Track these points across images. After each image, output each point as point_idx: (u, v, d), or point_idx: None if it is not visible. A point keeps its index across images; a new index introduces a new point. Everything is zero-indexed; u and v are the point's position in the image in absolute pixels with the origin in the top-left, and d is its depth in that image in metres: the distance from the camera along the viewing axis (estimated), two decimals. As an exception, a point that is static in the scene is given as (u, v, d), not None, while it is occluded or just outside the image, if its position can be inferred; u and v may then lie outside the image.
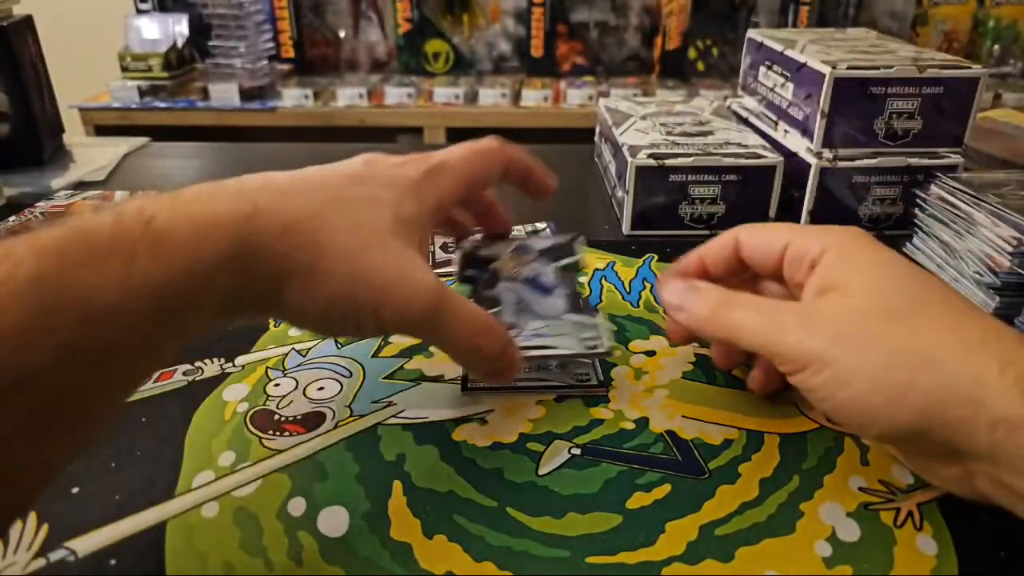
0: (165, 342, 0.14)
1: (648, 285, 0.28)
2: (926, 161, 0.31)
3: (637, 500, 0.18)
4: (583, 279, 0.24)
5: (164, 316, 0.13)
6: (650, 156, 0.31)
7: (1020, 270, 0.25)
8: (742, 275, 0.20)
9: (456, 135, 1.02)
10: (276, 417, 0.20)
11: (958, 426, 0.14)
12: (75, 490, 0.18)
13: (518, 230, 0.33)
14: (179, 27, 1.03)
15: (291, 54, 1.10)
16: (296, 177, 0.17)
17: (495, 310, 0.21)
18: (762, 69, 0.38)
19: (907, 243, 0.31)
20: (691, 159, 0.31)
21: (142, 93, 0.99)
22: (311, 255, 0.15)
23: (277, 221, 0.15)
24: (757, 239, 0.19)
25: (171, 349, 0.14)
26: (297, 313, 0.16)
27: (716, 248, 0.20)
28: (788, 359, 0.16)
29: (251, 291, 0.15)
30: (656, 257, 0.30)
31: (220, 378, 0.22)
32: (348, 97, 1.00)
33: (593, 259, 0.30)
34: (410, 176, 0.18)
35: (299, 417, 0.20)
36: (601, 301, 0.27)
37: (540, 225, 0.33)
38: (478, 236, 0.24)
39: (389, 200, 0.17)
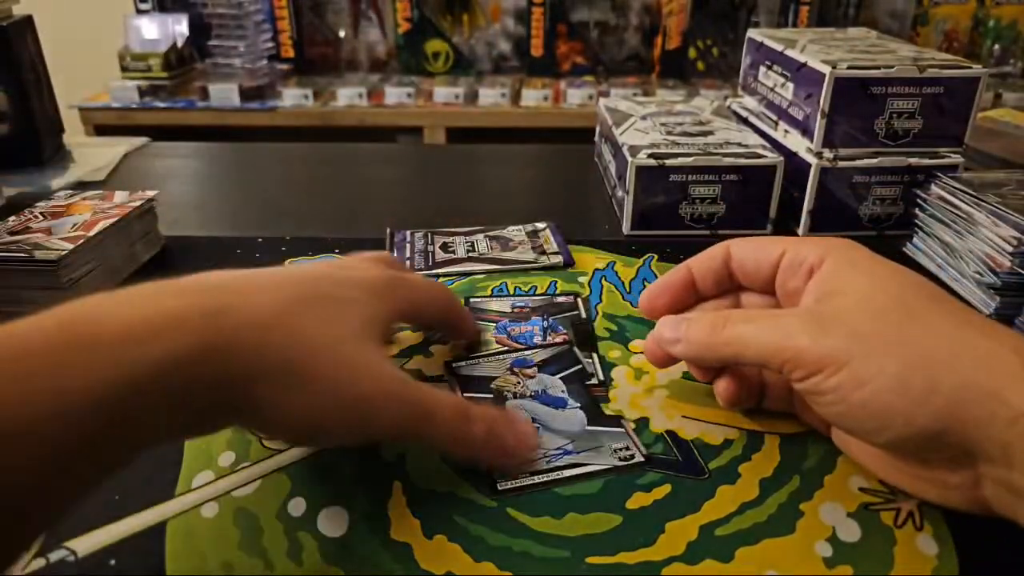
0: (88, 472, 0.12)
1: (648, 285, 0.28)
2: (926, 161, 0.31)
3: (637, 500, 0.17)
4: (591, 363, 0.22)
5: (86, 440, 0.11)
6: (650, 156, 0.31)
7: (1020, 270, 0.25)
8: (725, 290, 0.20)
9: (456, 135, 1.02)
10: (276, 417, 0.20)
11: (975, 425, 0.14)
12: (75, 490, 0.18)
13: (516, 230, 0.33)
14: (179, 27, 1.03)
15: (291, 54, 1.10)
16: (261, 274, 0.16)
17: None
18: (762, 69, 0.38)
19: (907, 243, 0.31)
20: (691, 159, 0.31)
21: (142, 93, 0.99)
22: (287, 351, 0.14)
23: (248, 318, 0.14)
24: (750, 248, 0.19)
25: (98, 480, 0.12)
26: (270, 418, 0.14)
27: (705, 260, 0.20)
28: (802, 363, 0.16)
29: (214, 396, 0.13)
30: (656, 257, 0.30)
31: (220, 378, 0.22)
32: (348, 97, 1.00)
33: (593, 259, 0.30)
34: (375, 279, 0.18)
35: (299, 417, 0.20)
36: (601, 301, 0.27)
37: (540, 225, 0.33)
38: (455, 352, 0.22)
39: (356, 299, 0.17)
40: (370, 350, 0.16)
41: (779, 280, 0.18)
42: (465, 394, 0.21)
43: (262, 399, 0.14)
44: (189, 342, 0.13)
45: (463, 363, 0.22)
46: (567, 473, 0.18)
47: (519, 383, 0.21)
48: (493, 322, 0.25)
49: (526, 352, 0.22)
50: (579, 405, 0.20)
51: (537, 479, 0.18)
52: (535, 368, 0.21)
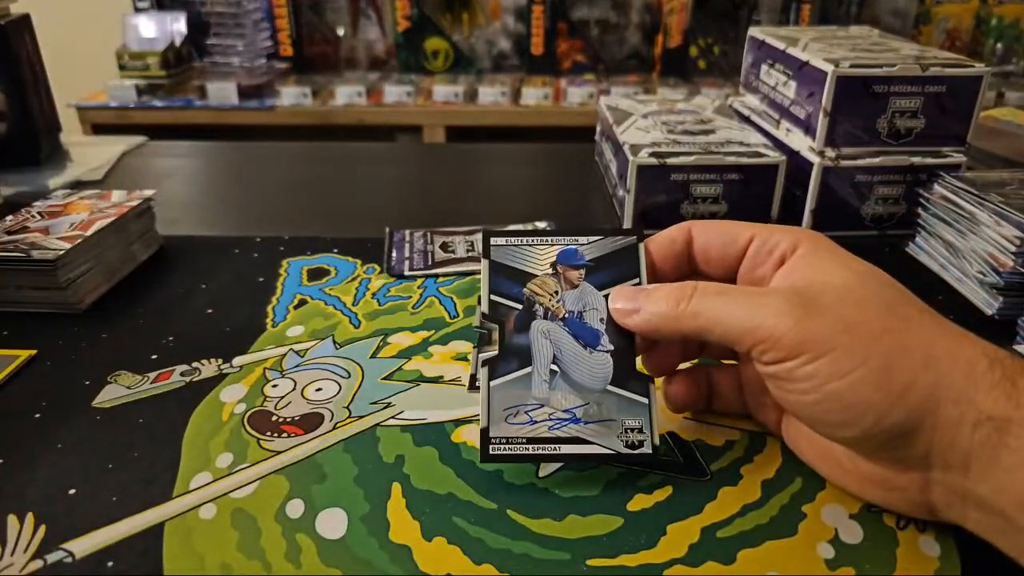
0: None
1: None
2: (929, 160, 0.31)
3: (638, 502, 0.17)
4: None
5: None
6: (651, 155, 0.31)
7: (1023, 269, 0.25)
8: (682, 275, 0.18)
9: (456, 134, 1.02)
10: (274, 418, 0.20)
11: (944, 427, 0.14)
12: (72, 491, 0.18)
13: (516, 230, 0.33)
14: (177, 25, 1.02)
15: (289, 52, 1.10)
16: None
17: (523, 372, 0.17)
18: (764, 67, 0.38)
19: (910, 242, 0.31)
20: (693, 158, 0.31)
21: (140, 92, 0.99)
22: None
23: None
24: (715, 232, 0.18)
25: None
26: None
27: (665, 242, 0.18)
28: (779, 345, 0.15)
29: None
30: (657, 256, 0.30)
31: (218, 379, 0.22)
32: (347, 95, 1.00)
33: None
34: None
35: (297, 418, 0.20)
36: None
37: (540, 224, 0.33)
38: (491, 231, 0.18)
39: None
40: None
41: (745, 267, 0.17)
42: (492, 296, 0.17)
43: None
44: None
45: (502, 240, 0.18)
46: (564, 449, 0.16)
47: (557, 295, 0.17)
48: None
49: (580, 241, 0.18)
50: (611, 348, 0.17)
51: (532, 448, 0.16)
52: (583, 271, 0.17)
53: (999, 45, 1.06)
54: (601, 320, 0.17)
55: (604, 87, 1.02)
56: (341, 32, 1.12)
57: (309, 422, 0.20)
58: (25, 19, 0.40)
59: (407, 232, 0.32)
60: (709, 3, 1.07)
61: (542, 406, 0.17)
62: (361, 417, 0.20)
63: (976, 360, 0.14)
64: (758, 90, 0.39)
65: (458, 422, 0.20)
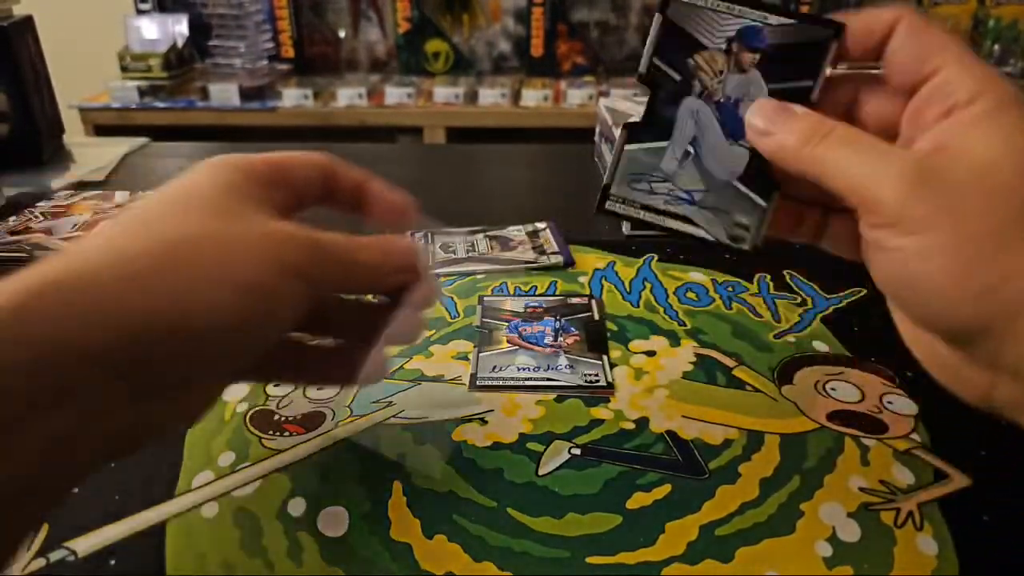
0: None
1: (648, 285, 0.28)
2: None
3: (637, 500, 0.17)
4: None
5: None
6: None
7: None
8: (866, 60, 0.16)
9: (456, 135, 1.02)
10: (276, 417, 0.20)
11: (1015, 340, 0.13)
12: (75, 490, 0.18)
13: (516, 230, 0.33)
14: (179, 27, 1.03)
15: (291, 54, 1.10)
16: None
17: (660, 144, 0.16)
18: (763, 69, 0.38)
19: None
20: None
21: (142, 93, 0.99)
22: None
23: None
24: (917, 43, 0.15)
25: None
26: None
27: (861, 27, 0.16)
28: (879, 211, 0.14)
29: None
30: (656, 257, 0.30)
31: (220, 378, 0.22)
32: (348, 97, 1.00)
33: (593, 259, 0.30)
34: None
35: (299, 417, 0.20)
36: (602, 301, 0.27)
37: (540, 225, 0.33)
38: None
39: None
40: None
41: (914, 102, 0.15)
42: (654, 59, 0.16)
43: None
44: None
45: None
46: (670, 223, 0.16)
47: (721, 74, 0.16)
48: (505, 321, 0.25)
49: (769, 20, 0.16)
50: (751, 146, 0.16)
51: (643, 214, 0.16)
52: (758, 56, 0.16)
53: (997, 46, 1.06)
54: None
55: (604, 89, 1.02)
56: (342, 34, 1.12)
57: (311, 421, 0.20)
58: (28, 20, 0.40)
59: (408, 233, 0.33)
60: (709, 5, 1.07)
61: (665, 180, 0.17)
62: (362, 416, 0.20)
63: None
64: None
65: (458, 421, 0.20)
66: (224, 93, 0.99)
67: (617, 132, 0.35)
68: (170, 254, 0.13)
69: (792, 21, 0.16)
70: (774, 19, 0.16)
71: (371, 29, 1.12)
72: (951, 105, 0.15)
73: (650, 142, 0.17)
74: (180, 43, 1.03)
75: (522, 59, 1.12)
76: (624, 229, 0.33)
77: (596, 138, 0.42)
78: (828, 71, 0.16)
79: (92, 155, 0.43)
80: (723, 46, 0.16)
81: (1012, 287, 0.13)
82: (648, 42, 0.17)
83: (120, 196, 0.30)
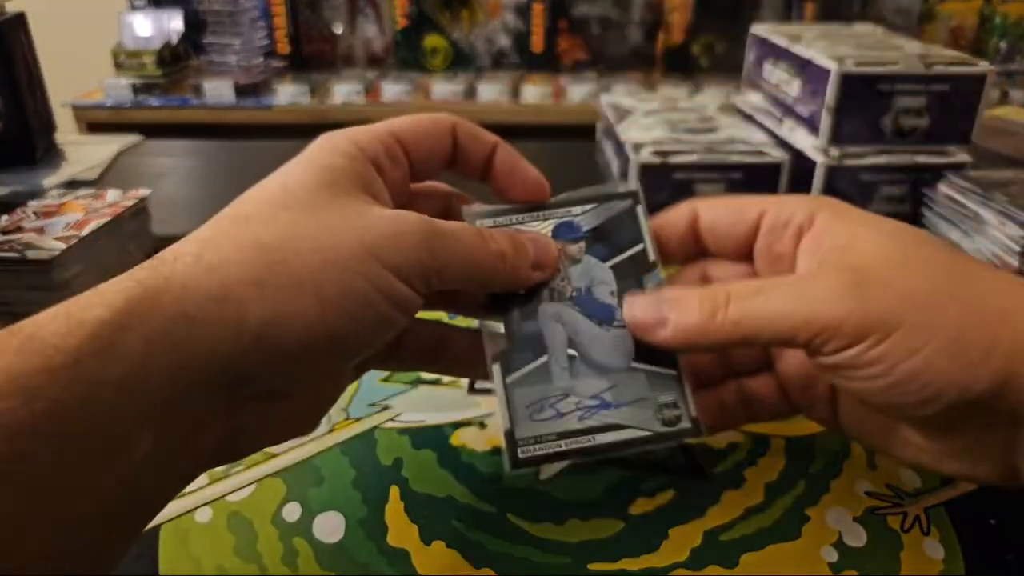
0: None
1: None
2: (933, 159, 0.31)
3: (640, 506, 0.17)
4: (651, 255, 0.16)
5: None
6: (654, 153, 0.31)
7: (1028, 269, 0.25)
8: (689, 257, 0.17)
9: (455, 132, 1.01)
10: (271, 420, 0.20)
11: None
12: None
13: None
14: (173, 23, 1.02)
15: (286, 50, 1.09)
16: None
17: (540, 362, 0.15)
18: (767, 65, 0.37)
19: (912, 241, 0.31)
20: (695, 156, 0.31)
21: (135, 90, 0.98)
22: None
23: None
24: (723, 208, 0.16)
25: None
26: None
27: (667, 223, 0.16)
28: (841, 332, 0.13)
29: None
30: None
31: (215, 380, 0.22)
32: (345, 94, 0.99)
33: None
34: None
35: (295, 420, 0.20)
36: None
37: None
38: (480, 208, 0.16)
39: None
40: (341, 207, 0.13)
41: (761, 245, 0.16)
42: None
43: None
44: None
45: (489, 220, 0.16)
46: (600, 439, 0.14)
47: (560, 273, 0.15)
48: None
49: (574, 212, 0.16)
50: (627, 323, 0.15)
51: (565, 445, 0.14)
52: (583, 244, 0.16)
53: (1003, 43, 1.05)
54: (612, 293, 0.16)
55: (605, 85, 1.02)
56: (339, 30, 1.11)
57: (306, 424, 0.20)
58: (20, 17, 0.39)
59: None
60: (711, 0, 1.07)
61: (567, 396, 0.15)
62: (359, 419, 0.20)
63: None
64: (761, 88, 0.38)
65: (457, 425, 0.20)
66: (219, 90, 0.98)
67: (619, 130, 0.35)
68: (260, 263, 0.12)
69: (592, 205, 0.16)
70: (577, 208, 0.16)
71: (368, 25, 1.11)
72: (797, 228, 0.15)
73: (529, 364, 0.15)
74: (174, 40, 1.02)
75: (522, 55, 1.11)
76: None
77: (598, 135, 0.42)
78: (649, 230, 0.16)
79: (85, 153, 0.43)
80: None
81: (1007, 331, 0.13)
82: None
83: (113, 195, 0.30)
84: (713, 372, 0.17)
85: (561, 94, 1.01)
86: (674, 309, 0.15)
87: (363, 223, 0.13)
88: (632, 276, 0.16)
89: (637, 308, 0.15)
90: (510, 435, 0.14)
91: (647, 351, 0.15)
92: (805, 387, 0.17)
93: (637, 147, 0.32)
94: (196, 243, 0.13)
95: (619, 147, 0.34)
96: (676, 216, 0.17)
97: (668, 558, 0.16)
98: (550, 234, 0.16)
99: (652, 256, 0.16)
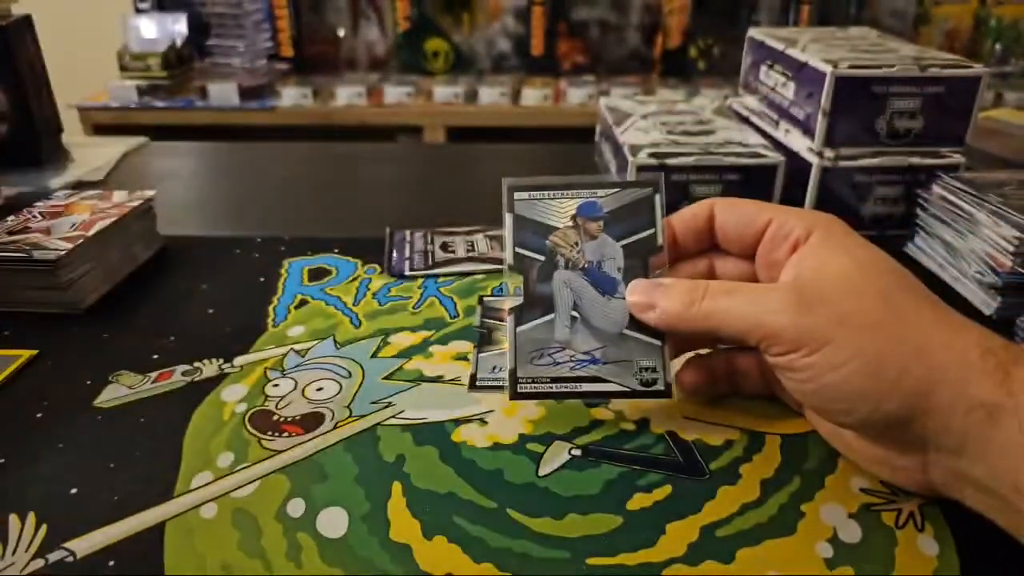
0: None
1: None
2: (928, 161, 0.31)
3: (638, 501, 0.17)
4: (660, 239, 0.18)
5: None
6: (651, 155, 0.31)
7: (1022, 270, 0.25)
8: (703, 250, 0.19)
9: (456, 134, 1.02)
10: (275, 418, 0.20)
11: (937, 413, 0.15)
12: (74, 491, 0.18)
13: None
14: (178, 26, 1.02)
15: (290, 53, 1.10)
16: None
17: (547, 319, 0.18)
18: (763, 68, 0.38)
19: (908, 243, 0.31)
20: (692, 158, 0.31)
21: (141, 92, 0.99)
22: None
23: None
24: (737, 211, 0.19)
25: None
26: None
27: (688, 216, 0.19)
28: (780, 340, 0.16)
29: None
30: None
31: (219, 378, 0.22)
32: (347, 96, 1.00)
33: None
34: None
35: (298, 418, 0.20)
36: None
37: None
38: (517, 181, 0.19)
39: None
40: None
41: (762, 250, 0.18)
42: (516, 249, 0.18)
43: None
44: None
45: (524, 195, 0.19)
46: (585, 387, 0.18)
47: (577, 245, 0.18)
48: (505, 321, 0.24)
49: (599, 193, 0.19)
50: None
51: (555, 387, 0.18)
52: (602, 223, 0.19)
53: (998, 46, 1.06)
54: (618, 269, 0.18)
55: (604, 88, 1.02)
56: (341, 33, 1.12)
57: (310, 422, 0.20)
58: (27, 20, 0.40)
59: (408, 232, 0.32)
60: (709, 4, 1.07)
61: (564, 349, 0.18)
62: (362, 417, 0.20)
63: (968, 350, 0.15)
64: (757, 91, 0.39)
65: (458, 421, 0.20)
66: (223, 92, 0.98)
67: (618, 132, 0.36)
68: None
69: (616, 189, 0.19)
70: (601, 191, 0.19)
71: (370, 28, 1.12)
72: (794, 241, 0.17)
73: (537, 319, 0.18)
74: (179, 42, 1.03)
75: (522, 58, 1.12)
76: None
77: (597, 137, 0.42)
78: (662, 218, 0.19)
79: (91, 155, 0.43)
80: (570, 223, 0.19)
81: (921, 364, 0.15)
82: (507, 237, 0.19)
83: (119, 196, 0.30)
84: (706, 342, 0.20)
85: (560, 97, 1.02)
86: (663, 297, 0.18)
87: None
88: (639, 256, 0.19)
89: (635, 291, 0.18)
90: (513, 373, 0.18)
91: (638, 323, 0.18)
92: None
93: (635, 149, 0.32)
94: None
95: (617, 149, 0.34)
96: (697, 211, 0.19)
97: (665, 553, 0.16)
98: (575, 211, 0.19)
99: (660, 240, 0.19)
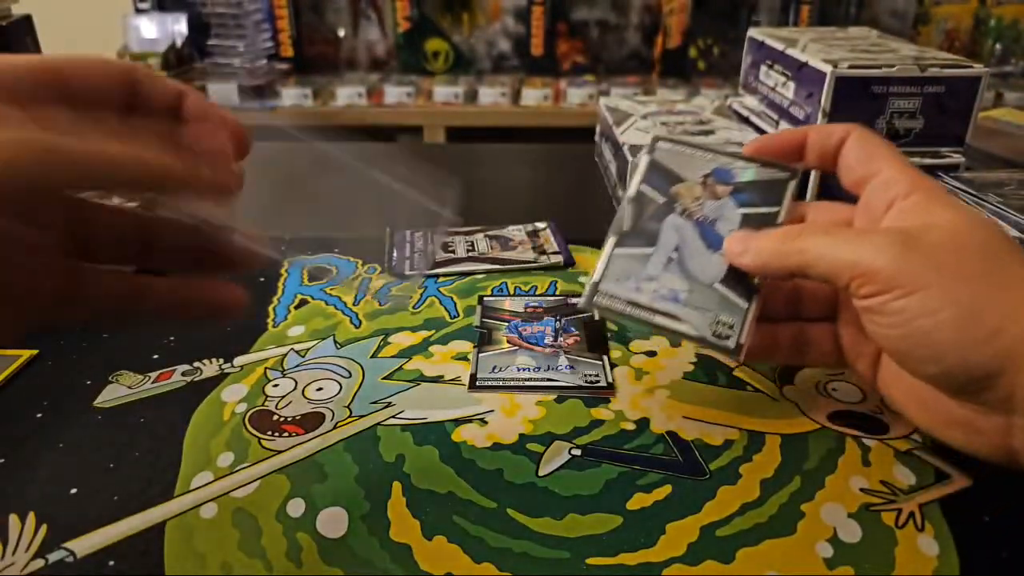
0: None
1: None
2: (928, 160, 0.31)
3: (637, 501, 0.17)
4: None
5: None
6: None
7: (1022, 270, 0.25)
8: (815, 168, 0.19)
9: (456, 134, 1.02)
10: (275, 418, 0.20)
11: None
12: (74, 491, 0.18)
13: (516, 230, 0.33)
14: (178, 26, 1.02)
15: (290, 53, 1.10)
16: None
17: (645, 251, 0.18)
18: (763, 68, 0.38)
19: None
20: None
21: (141, 92, 0.99)
22: None
23: None
24: (862, 148, 0.18)
25: None
26: None
27: (824, 135, 0.19)
28: (875, 279, 0.15)
29: None
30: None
31: (219, 378, 0.22)
32: (347, 96, 1.00)
33: (593, 259, 0.30)
34: None
35: (298, 418, 0.20)
36: None
37: (540, 224, 0.33)
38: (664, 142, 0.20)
39: None
40: None
41: (864, 200, 0.18)
42: (641, 186, 0.19)
43: None
44: None
45: (668, 145, 0.20)
46: (658, 320, 0.18)
47: (699, 200, 0.19)
48: (505, 321, 0.25)
49: (737, 164, 0.19)
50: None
51: (629, 309, 0.18)
52: (731, 188, 0.19)
53: (998, 46, 1.06)
54: (730, 232, 0.19)
55: (604, 88, 1.02)
56: (342, 33, 1.12)
57: (310, 421, 0.20)
58: (27, 20, 0.40)
59: (408, 232, 0.32)
60: (709, 4, 1.07)
61: (651, 281, 0.18)
62: (362, 416, 0.20)
63: None
64: (757, 91, 0.39)
65: (458, 421, 0.20)
66: (223, 92, 0.98)
67: (618, 132, 0.36)
68: None
69: (756, 164, 0.19)
70: (741, 163, 0.19)
71: (371, 28, 1.12)
72: (893, 197, 0.17)
73: (637, 248, 0.19)
74: (179, 42, 1.03)
75: (522, 58, 1.12)
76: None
77: (596, 137, 0.42)
78: (790, 203, 0.19)
79: (91, 155, 0.43)
80: (700, 180, 0.19)
81: (1016, 326, 0.14)
82: (637, 172, 0.20)
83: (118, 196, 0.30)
84: (781, 311, 0.20)
85: (560, 97, 1.02)
86: (758, 237, 0.18)
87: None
88: (755, 228, 0.18)
89: (733, 238, 0.18)
90: (595, 284, 0.18)
91: (733, 280, 0.18)
92: (857, 343, 0.19)
93: (635, 149, 0.32)
94: None
95: (617, 149, 0.34)
96: (830, 133, 0.19)
97: (665, 553, 0.16)
98: (710, 171, 0.19)
99: (780, 220, 0.18)
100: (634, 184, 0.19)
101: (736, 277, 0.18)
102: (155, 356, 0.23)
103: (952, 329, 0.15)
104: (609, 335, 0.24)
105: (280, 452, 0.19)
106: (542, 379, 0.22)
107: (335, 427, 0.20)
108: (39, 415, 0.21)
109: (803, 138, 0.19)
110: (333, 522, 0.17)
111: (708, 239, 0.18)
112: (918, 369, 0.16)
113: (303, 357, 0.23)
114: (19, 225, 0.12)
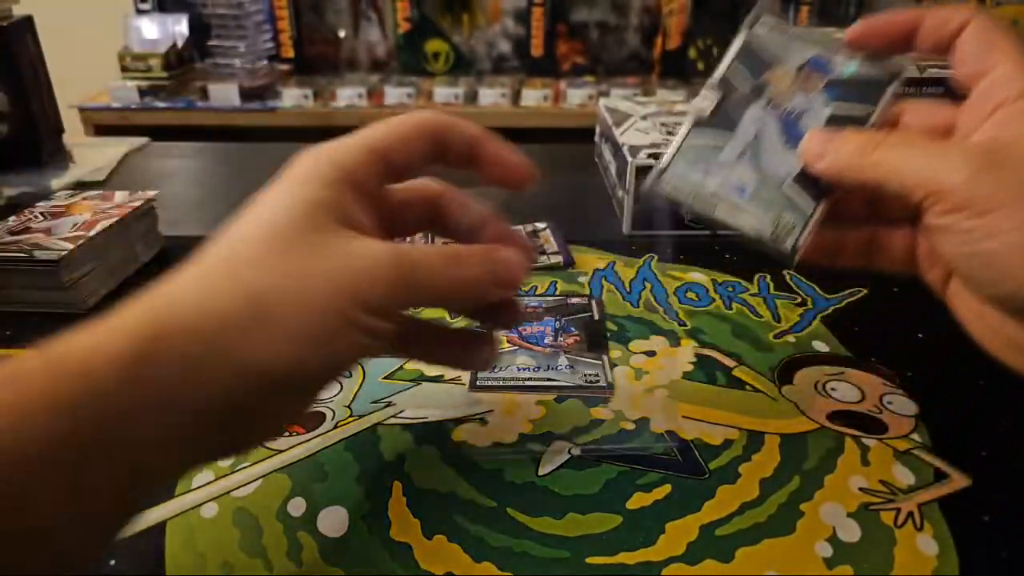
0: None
1: (648, 285, 0.28)
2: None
3: (637, 500, 0.17)
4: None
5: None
6: (650, 156, 0.31)
7: (1021, 270, 0.25)
8: (928, 52, 0.17)
9: (456, 135, 1.02)
10: (276, 417, 0.20)
11: None
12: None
13: (516, 230, 0.33)
14: (179, 27, 1.03)
15: (291, 54, 1.10)
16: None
17: (722, 138, 0.18)
18: (762, 69, 0.38)
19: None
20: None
21: (142, 93, 0.99)
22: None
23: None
24: (980, 38, 0.17)
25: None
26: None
27: (941, 19, 0.17)
28: (948, 198, 0.15)
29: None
30: (656, 257, 0.30)
31: (220, 378, 0.22)
32: (348, 97, 1.00)
33: (593, 259, 0.30)
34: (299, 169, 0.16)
35: (299, 417, 0.20)
36: (602, 301, 0.27)
37: (540, 225, 0.33)
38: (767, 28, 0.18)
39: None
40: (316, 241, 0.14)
41: (972, 98, 0.16)
42: (733, 65, 0.18)
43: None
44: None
45: (772, 22, 0.18)
46: (719, 213, 0.17)
47: (786, 91, 0.18)
48: None
49: (837, 58, 0.18)
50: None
51: (691, 200, 0.17)
52: (825, 81, 0.18)
53: (998, 47, 1.05)
54: (816, 125, 0.18)
55: (603, 88, 1.02)
56: (342, 34, 1.12)
57: (310, 421, 0.20)
58: (28, 21, 0.40)
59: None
60: (708, 4, 1.07)
61: (722, 168, 0.18)
62: (362, 416, 0.20)
63: None
64: (757, 91, 0.39)
65: (459, 421, 0.20)
66: (224, 93, 0.99)
67: (617, 132, 0.36)
68: (255, 308, 0.13)
69: (858, 59, 0.18)
70: (841, 56, 0.18)
71: (371, 29, 1.12)
72: (1003, 99, 0.16)
73: (713, 138, 0.18)
74: (180, 43, 1.03)
75: (522, 59, 1.12)
76: (624, 229, 0.33)
77: (596, 138, 0.42)
78: (886, 106, 0.17)
79: (92, 155, 0.43)
80: (793, 69, 0.18)
81: None
82: (729, 52, 0.19)
83: (120, 196, 0.30)
84: (859, 210, 0.19)
85: (560, 98, 1.02)
86: (837, 142, 0.16)
87: (341, 263, 0.14)
88: (842, 127, 0.17)
89: (811, 140, 0.17)
90: (662, 170, 0.18)
91: (805, 182, 0.17)
92: (934, 252, 0.18)
93: (634, 150, 0.32)
94: (195, 280, 0.14)
95: (617, 149, 0.35)
96: (947, 19, 0.17)
97: (665, 552, 0.16)
98: (806, 61, 0.18)
99: (871, 123, 0.17)
100: (723, 65, 0.18)
101: (808, 177, 0.17)
102: (156, 356, 0.23)
103: (1016, 254, 0.14)
104: (609, 335, 0.25)
105: (281, 451, 0.19)
106: (542, 379, 0.22)
107: (336, 426, 0.20)
108: (40, 415, 0.21)
109: (916, 22, 0.17)
110: (334, 521, 0.17)
111: (789, 133, 0.17)
112: (981, 290, 0.16)
113: (304, 357, 0.23)
114: (379, 323, 0.14)
